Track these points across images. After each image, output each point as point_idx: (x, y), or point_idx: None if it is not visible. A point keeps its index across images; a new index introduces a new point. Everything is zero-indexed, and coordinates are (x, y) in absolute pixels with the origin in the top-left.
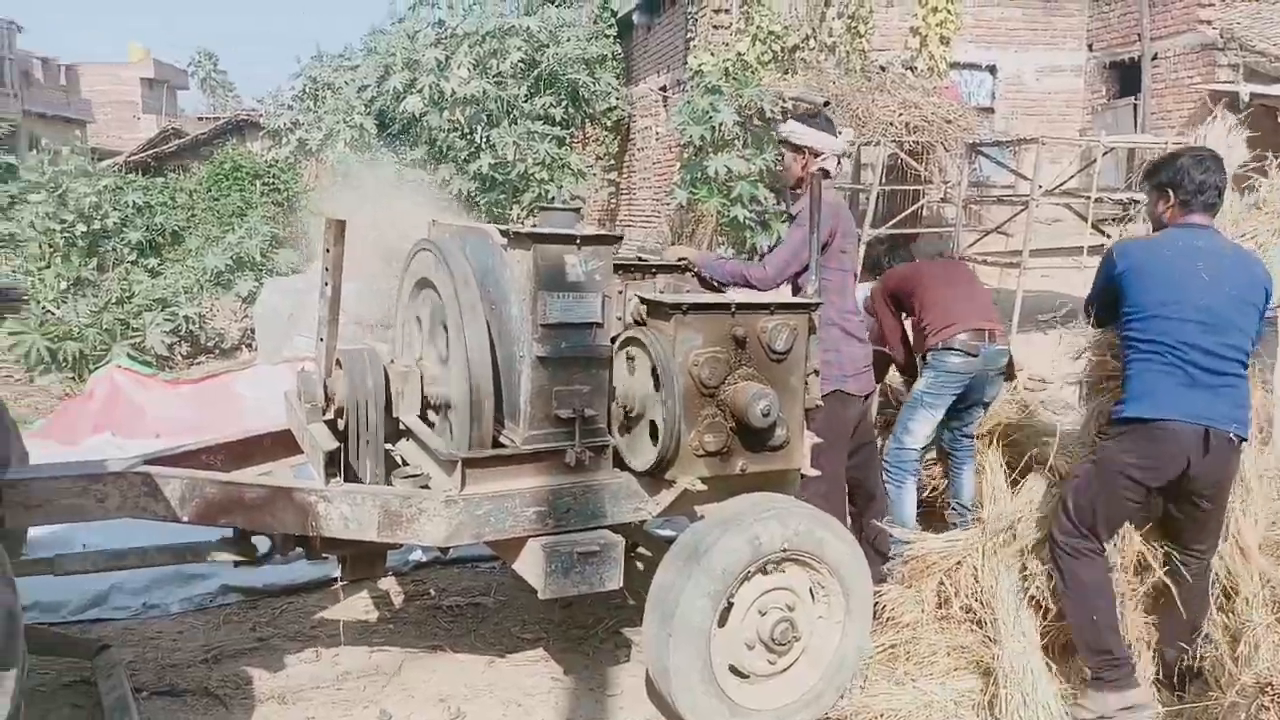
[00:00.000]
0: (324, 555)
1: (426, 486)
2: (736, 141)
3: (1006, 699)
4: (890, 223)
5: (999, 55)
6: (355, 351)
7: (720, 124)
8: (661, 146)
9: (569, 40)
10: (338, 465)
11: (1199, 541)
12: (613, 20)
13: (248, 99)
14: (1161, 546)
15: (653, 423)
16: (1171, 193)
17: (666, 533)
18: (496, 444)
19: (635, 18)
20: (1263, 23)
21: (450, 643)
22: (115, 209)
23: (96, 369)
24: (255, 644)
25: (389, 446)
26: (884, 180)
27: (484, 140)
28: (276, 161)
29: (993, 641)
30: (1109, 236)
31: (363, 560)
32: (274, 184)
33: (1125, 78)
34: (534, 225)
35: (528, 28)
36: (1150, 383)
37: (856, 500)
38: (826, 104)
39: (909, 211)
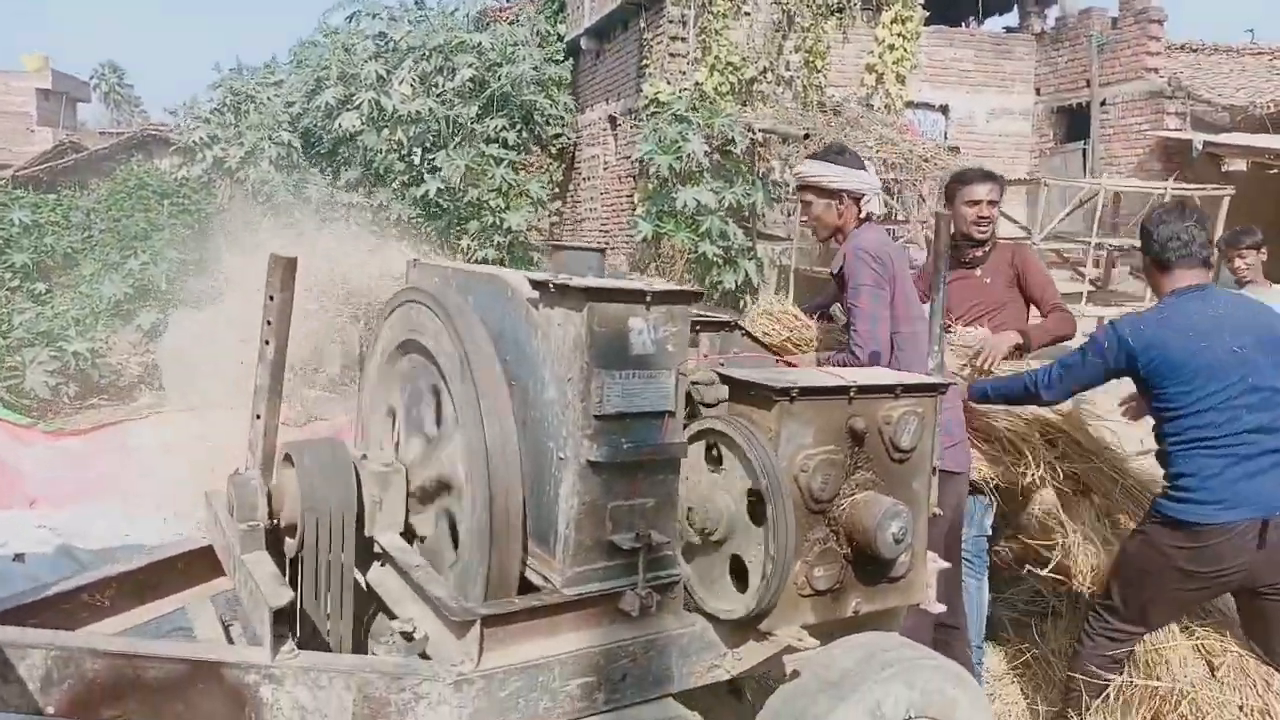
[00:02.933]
0: None
1: (425, 654)
2: (705, 174)
3: None
4: None
5: (951, 96)
6: (313, 445)
7: (690, 154)
8: (611, 176)
9: (525, 60)
10: (291, 623)
11: None
12: (559, 44)
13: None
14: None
15: (736, 555)
16: (1147, 256)
17: None
18: (523, 584)
19: (583, 43)
20: (1204, 73)
21: None
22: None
23: None
24: None
25: (355, 574)
26: None
27: (427, 163)
28: (187, 180)
29: None
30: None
31: None
32: (184, 205)
33: (1073, 122)
34: (564, 273)
35: (479, 44)
36: (1200, 480)
37: None
38: (807, 137)
39: None
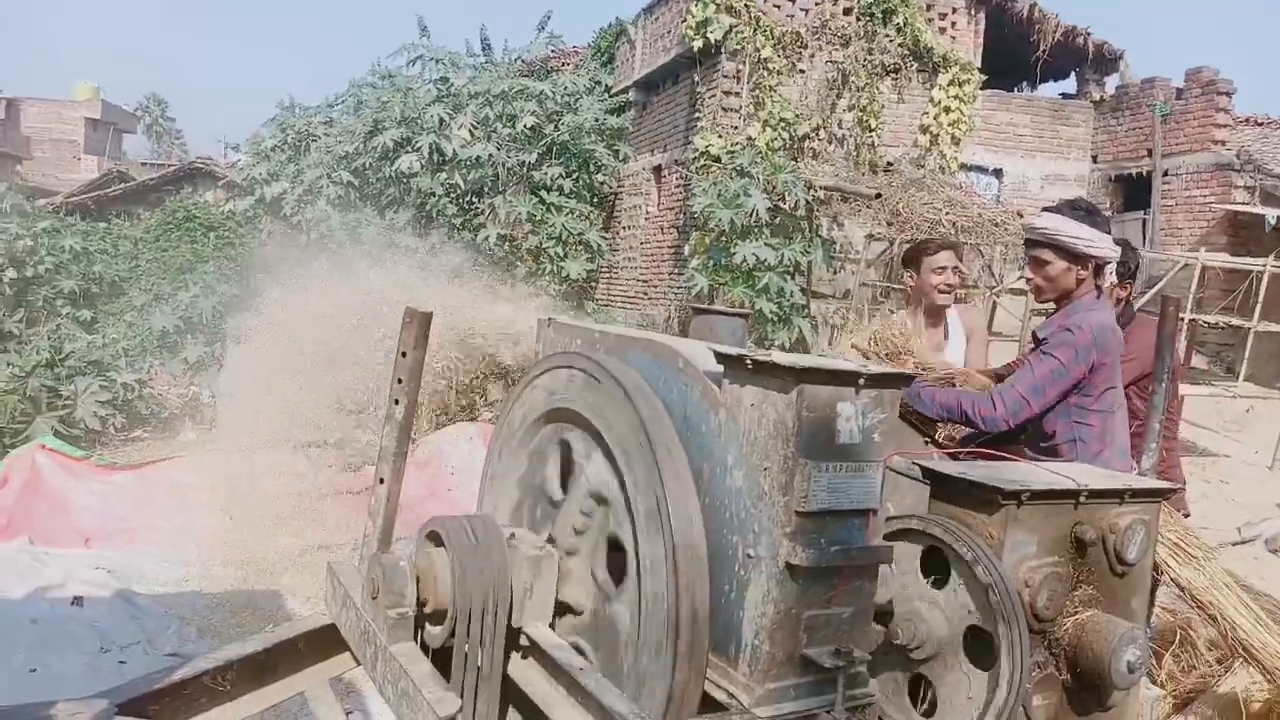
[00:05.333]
0: None
1: None
2: (764, 229)
3: None
4: None
5: (1005, 160)
6: (463, 522)
7: (752, 210)
8: (652, 226)
9: (587, 109)
10: None
11: None
12: (606, 95)
13: (195, 147)
14: None
15: (926, 675)
16: None
17: None
18: (705, 702)
19: (632, 94)
20: (1272, 146)
21: None
22: (50, 254)
23: (14, 446)
24: None
25: None
26: None
27: (488, 208)
28: (234, 214)
29: None
30: None
31: None
32: (229, 238)
33: (1130, 191)
34: (708, 339)
35: (541, 92)
36: None
37: None
38: (878, 196)
39: None
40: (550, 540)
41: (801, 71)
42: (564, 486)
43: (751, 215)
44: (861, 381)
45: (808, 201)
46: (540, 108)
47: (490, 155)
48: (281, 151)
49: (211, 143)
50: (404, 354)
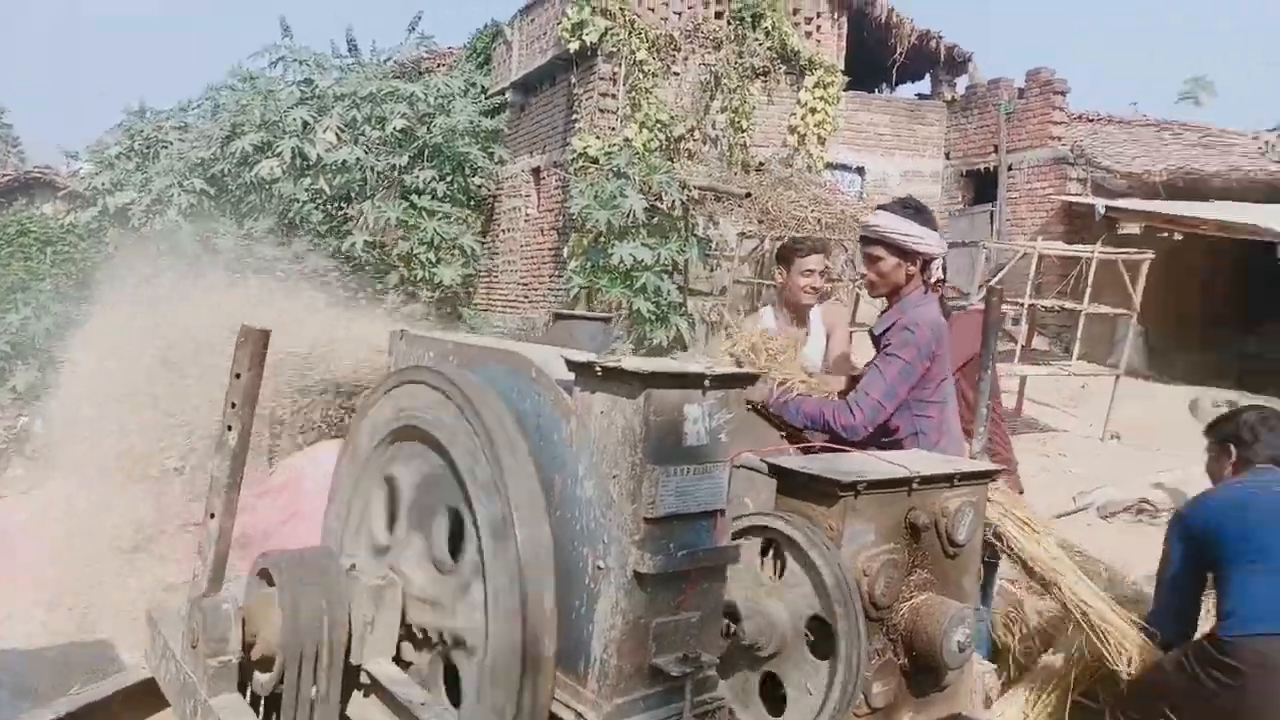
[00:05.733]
0: None
1: None
2: (641, 229)
3: None
4: None
5: (867, 158)
6: (297, 557)
7: (629, 210)
8: (532, 229)
9: (460, 111)
10: None
11: None
12: (482, 97)
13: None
14: None
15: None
16: (1234, 448)
17: None
18: None
19: (510, 96)
20: (1101, 140)
21: None
22: None
23: None
24: None
25: None
26: None
27: (355, 213)
28: (74, 227)
29: None
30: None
31: None
32: (68, 254)
33: (980, 185)
34: (568, 345)
35: (412, 94)
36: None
37: None
38: (748, 195)
39: None
40: (394, 569)
41: (676, 74)
42: (420, 515)
43: (628, 216)
44: (707, 383)
45: (683, 201)
46: (411, 110)
47: (358, 159)
48: (129, 159)
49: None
50: (238, 375)
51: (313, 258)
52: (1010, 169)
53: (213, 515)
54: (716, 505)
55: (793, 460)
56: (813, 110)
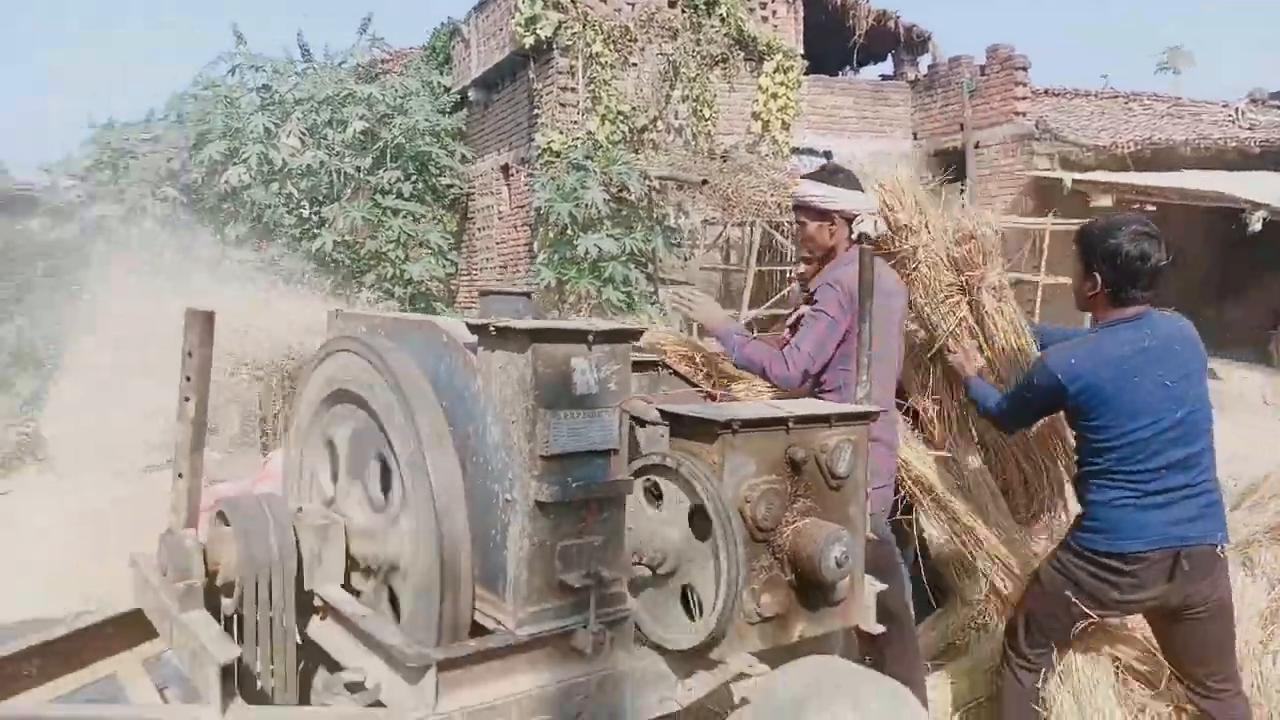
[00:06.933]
0: None
1: (378, 702)
2: (605, 221)
3: None
4: (768, 303)
5: (834, 141)
6: (249, 500)
7: (589, 202)
8: (505, 226)
9: (418, 111)
10: (234, 680)
11: (1205, 667)
12: (446, 94)
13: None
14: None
15: (686, 585)
16: (1099, 275)
17: None
18: (475, 629)
19: (471, 93)
20: (1066, 115)
21: None
22: None
23: None
24: None
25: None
26: (759, 261)
27: (316, 216)
28: (61, 242)
29: None
30: None
31: None
32: (56, 266)
33: (950, 164)
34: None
35: (369, 95)
36: (1119, 514)
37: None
38: (704, 183)
39: (783, 293)
40: (339, 512)
41: (634, 65)
42: (355, 463)
43: (590, 207)
44: (591, 338)
45: (647, 191)
46: (370, 111)
47: (322, 162)
48: (100, 171)
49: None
50: (189, 354)
51: (287, 261)
52: (977, 146)
53: (180, 475)
54: (609, 445)
55: (681, 406)
56: (774, 96)
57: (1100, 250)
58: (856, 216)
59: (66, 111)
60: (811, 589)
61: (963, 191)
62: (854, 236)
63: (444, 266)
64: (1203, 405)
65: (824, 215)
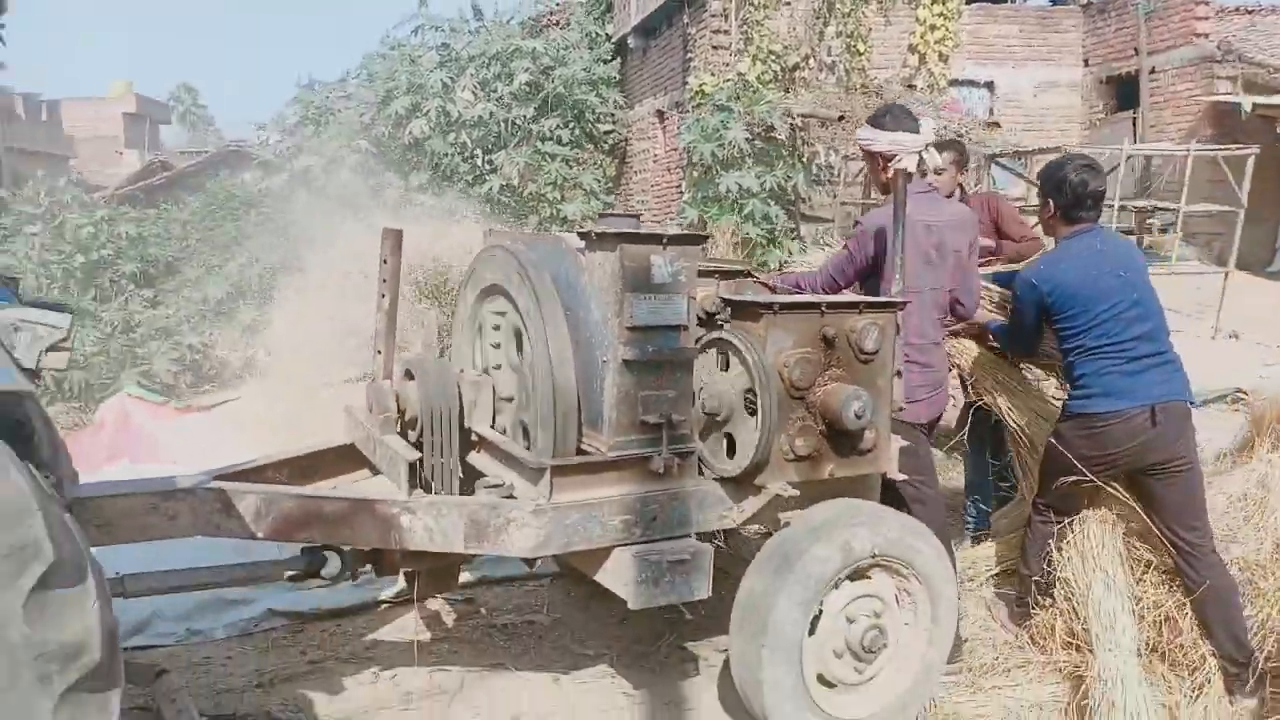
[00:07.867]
0: (398, 571)
1: (511, 496)
2: (747, 159)
3: (1097, 706)
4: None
5: (996, 72)
6: (426, 361)
7: (731, 141)
8: (659, 168)
9: (576, 62)
10: (418, 477)
11: (1181, 522)
12: (608, 44)
13: (227, 132)
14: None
15: (731, 433)
16: (1052, 202)
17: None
18: (580, 452)
19: (630, 41)
20: (1259, 34)
21: (510, 661)
22: (110, 240)
23: (104, 398)
24: (308, 668)
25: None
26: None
27: (487, 163)
28: (270, 191)
29: (1088, 650)
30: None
31: (437, 576)
32: (268, 214)
33: (1122, 92)
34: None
35: (534, 49)
36: (1105, 381)
37: None
38: (841, 118)
39: None
40: (489, 373)
41: (788, 4)
42: (502, 336)
43: (732, 146)
44: (665, 241)
45: (791, 129)
46: (534, 64)
47: (491, 113)
48: (305, 127)
49: (244, 125)
50: (384, 261)
51: (462, 204)
52: (1153, 72)
53: (379, 352)
54: (679, 321)
55: (739, 296)
56: (932, 27)
57: (1052, 182)
58: (895, 156)
59: (276, 70)
60: (840, 437)
61: (1135, 121)
62: (889, 174)
63: (600, 207)
64: (1151, 291)
65: (870, 156)
